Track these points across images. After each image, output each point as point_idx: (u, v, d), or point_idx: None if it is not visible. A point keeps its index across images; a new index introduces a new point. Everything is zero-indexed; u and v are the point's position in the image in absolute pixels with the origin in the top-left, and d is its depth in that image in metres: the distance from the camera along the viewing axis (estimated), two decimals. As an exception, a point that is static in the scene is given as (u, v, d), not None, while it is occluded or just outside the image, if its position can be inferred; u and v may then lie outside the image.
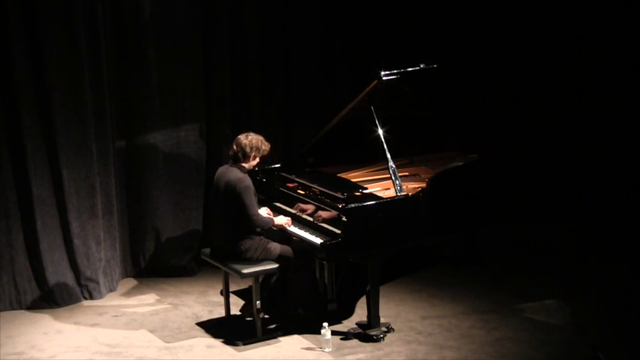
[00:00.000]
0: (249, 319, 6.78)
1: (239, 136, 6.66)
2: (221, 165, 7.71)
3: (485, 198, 7.83)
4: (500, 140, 8.74)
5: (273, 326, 6.68)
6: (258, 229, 6.55)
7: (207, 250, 6.85)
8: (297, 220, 6.84)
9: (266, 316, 6.71)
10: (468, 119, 8.41)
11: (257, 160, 6.67)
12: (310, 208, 6.81)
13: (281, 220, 6.73)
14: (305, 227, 6.74)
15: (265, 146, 6.66)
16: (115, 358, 6.39)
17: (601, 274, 7.63)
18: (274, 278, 6.88)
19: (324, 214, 6.65)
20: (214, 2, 7.84)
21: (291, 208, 7.01)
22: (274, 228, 6.70)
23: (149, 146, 7.74)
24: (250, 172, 6.68)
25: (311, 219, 6.76)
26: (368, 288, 6.48)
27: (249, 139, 6.61)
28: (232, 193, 6.48)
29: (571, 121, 8.99)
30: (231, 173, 6.58)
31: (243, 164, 6.62)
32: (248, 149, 6.59)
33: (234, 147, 6.63)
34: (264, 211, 6.81)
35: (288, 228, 6.72)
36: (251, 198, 6.48)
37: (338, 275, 7.03)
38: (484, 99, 8.84)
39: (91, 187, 7.36)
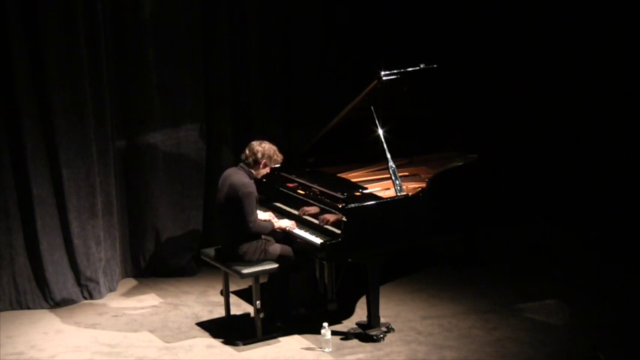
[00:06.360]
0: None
1: (253, 142, 6.62)
2: (221, 165, 7.73)
3: (485, 198, 7.83)
4: (501, 140, 8.74)
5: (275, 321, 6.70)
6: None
7: (208, 250, 6.85)
8: (297, 220, 6.83)
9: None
10: (467, 119, 8.40)
11: (267, 169, 6.63)
12: (310, 208, 6.80)
13: (285, 223, 6.71)
14: (305, 227, 6.72)
15: (278, 157, 6.61)
16: (115, 358, 6.39)
17: (601, 274, 7.63)
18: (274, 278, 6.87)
19: (323, 214, 6.64)
20: (214, 2, 7.84)
21: (291, 208, 7.01)
22: (277, 230, 6.68)
23: (149, 146, 7.73)
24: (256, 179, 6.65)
25: (311, 219, 6.75)
26: (368, 288, 6.49)
27: (263, 147, 6.56)
28: (234, 196, 6.46)
29: (571, 121, 8.98)
30: (237, 176, 6.54)
31: (252, 170, 6.59)
32: (259, 155, 6.54)
33: (247, 151, 6.59)
34: (265, 215, 6.79)
35: (293, 230, 6.72)
36: (251, 205, 6.44)
37: (338, 275, 7.02)
38: (484, 99, 8.83)
39: (91, 187, 7.35)
